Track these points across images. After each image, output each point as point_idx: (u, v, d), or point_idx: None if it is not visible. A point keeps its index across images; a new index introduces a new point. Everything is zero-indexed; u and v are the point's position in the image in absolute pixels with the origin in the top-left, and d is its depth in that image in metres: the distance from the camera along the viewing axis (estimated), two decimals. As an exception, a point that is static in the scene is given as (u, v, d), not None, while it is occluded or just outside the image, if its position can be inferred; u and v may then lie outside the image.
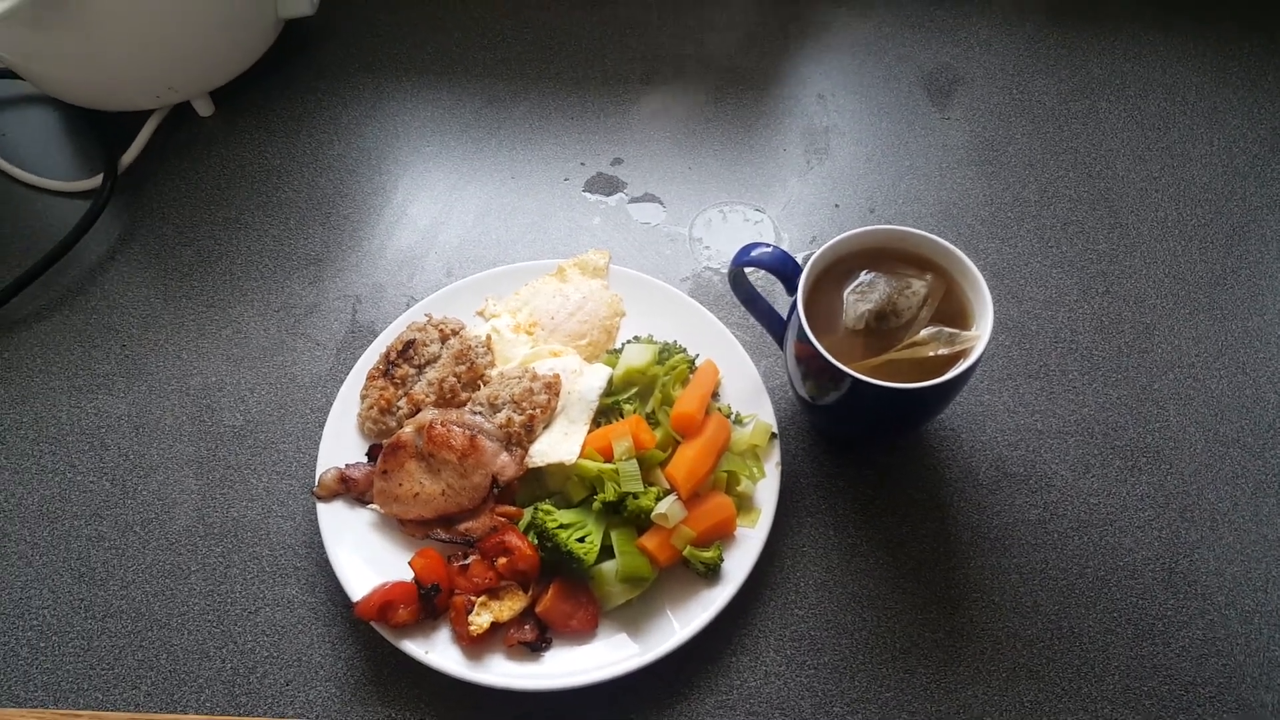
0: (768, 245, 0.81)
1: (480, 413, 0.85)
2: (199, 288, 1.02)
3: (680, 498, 0.80)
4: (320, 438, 0.87)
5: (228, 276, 1.03)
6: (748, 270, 0.84)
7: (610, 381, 0.88)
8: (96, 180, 1.08)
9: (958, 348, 0.77)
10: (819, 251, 0.80)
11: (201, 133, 1.14)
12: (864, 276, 0.81)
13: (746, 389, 0.89)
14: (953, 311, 0.80)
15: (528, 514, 0.82)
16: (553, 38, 1.22)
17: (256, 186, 1.09)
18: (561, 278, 0.98)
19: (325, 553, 0.81)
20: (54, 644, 0.82)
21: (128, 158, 1.10)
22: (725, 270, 0.85)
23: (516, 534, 0.79)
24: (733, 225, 1.05)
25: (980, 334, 0.76)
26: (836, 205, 1.06)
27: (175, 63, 1.05)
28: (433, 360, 0.91)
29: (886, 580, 0.83)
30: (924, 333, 0.78)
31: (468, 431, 0.82)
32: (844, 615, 0.82)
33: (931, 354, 0.77)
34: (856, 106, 1.14)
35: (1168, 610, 0.82)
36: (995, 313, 0.77)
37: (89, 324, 1.00)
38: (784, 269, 0.81)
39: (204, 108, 1.14)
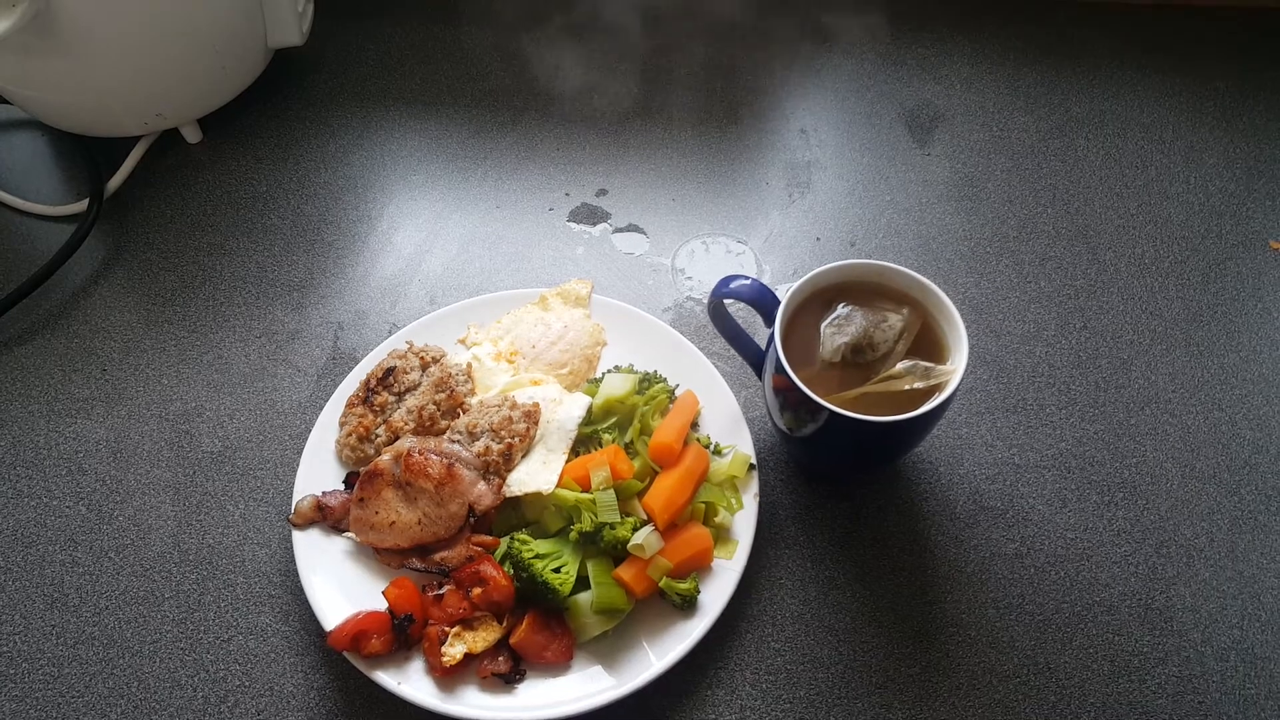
0: (746, 278, 0.82)
1: (459, 441, 0.85)
2: (181, 313, 1.02)
3: (657, 528, 0.80)
4: (298, 465, 0.87)
5: (210, 302, 1.03)
6: (727, 302, 0.85)
7: (590, 411, 0.88)
8: (82, 205, 1.08)
9: (933, 381, 0.77)
10: (796, 285, 0.80)
11: (188, 159, 1.15)
12: (841, 310, 0.82)
13: (726, 420, 0.89)
14: (929, 345, 0.80)
15: (504, 544, 0.82)
16: (539, 70, 1.23)
17: (242, 213, 1.10)
18: (544, 307, 0.98)
19: (300, 581, 0.81)
20: (23, 670, 0.82)
21: (114, 183, 1.11)
22: (706, 301, 0.85)
23: (492, 564, 0.79)
24: (715, 257, 1.06)
25: (955, 368, 0.77)
26: (818, 238, 1.07)
27: (164, 90, 1.06)
28: (413, 388, 0.91)
29: (863, 614, 0.83)
30: (900, 366, 0.79)
31: (445, 460, 0.82)
32: (820, 649, 0.82)
33: (907, 387, 0.78)
34: (839, 142, 1.15)
35: (1144, 646, 0.82)
36: (973, 346, 0.77)
37: (70, 348, 1.00)
38: (762, 301, 0.81)
39: (192, 134, 1.15)
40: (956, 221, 1.07)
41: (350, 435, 0.88)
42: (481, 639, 0.77)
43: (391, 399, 0.90)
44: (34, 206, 1.10)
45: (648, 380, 0.90)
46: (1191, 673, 0.80)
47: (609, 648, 0.79)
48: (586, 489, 0.82)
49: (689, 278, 1.04)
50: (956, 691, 0.79)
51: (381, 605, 0.79)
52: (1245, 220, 1.07)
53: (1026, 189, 1.10)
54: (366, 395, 0.90)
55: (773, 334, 0.78)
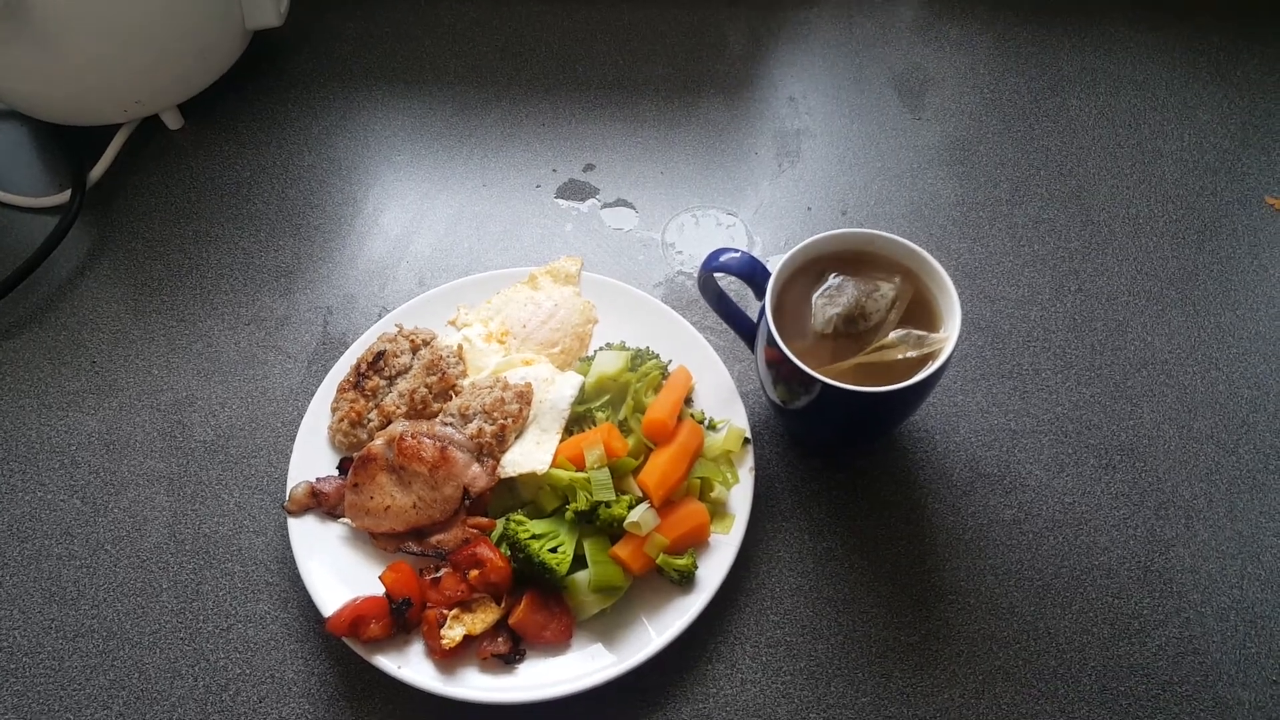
0: (736, 250, 0.81)
1: (451, 423, 0.85)
2: (169, 302, 1.02)
3: (653, 505, 0.80)
4: (291, 451, 0.87)
5: (198, 290, 1.02)
6: (718, 275, 0.84)
7: (582, 389, 0.88)
8: (64, 196, 1.07)
9: (926, 350, 0.77)
10: (786, 256, 0.80)
11: (170, 146, 1.13)
12: (832, 280, 0.81)
13: (719, 394, 0.89)
14: (922, 313, 0.79)
15: (500, 525, 0.81)
16: (523, 44, 1.21)
17: (226, 199, 1.09)
18: (533, 285, 0.97)
19: (297, 567, 0.81)
20: (24, 665, 0.82)
21: (96, 172, 1.09)
22: (697, 275, 0.84)
23: (488, 545, 0.79)
24: (705, 229, 1.05)
25: (948, 336, 0.76)
26: (809, 208, 1.06)
27: (142, 76, 1.05)
28: (404, 371, 0.90)
29: (862, 584, 0.83)
30: (893, 335, 0.78)
31: (438, 443, 0.82)
32: (819, 620, 0.82)
33: (900, 356, 0.77)
34: (828, 109, 1.13)
35: (1144, 609, 0.82)
36: (967, 313, 0.77)
37: (58, 340, 0.99)
38: (752, 274, 0.80)
39: (173, 121, 1.13)
40: (948, 186, 1.06)
41: (342, 420, 0.88)
42: (480, 620, 0.77)
43: (383, 383, 0.89)
44: (15, 198, 1.09)
45: (640, 357, 0.89)
46: (1192, 633, 0.80)
47: (608, 625, 0.79)
48: (581, 468, 0.82)
49: (679, 252, 1.03)
50: (956, 658, 0.80)
51: (379, 590, 0.79)
52: (1240, 177, 1.06)
53: (1018, 151, 1.09)
54: (357, 380, 0.89)
55: (764, 307, 0.78)
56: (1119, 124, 1.11)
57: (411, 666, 0.76)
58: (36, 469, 0.91)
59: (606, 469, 0.80)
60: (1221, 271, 0.99)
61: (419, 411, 0.87)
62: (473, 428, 0.84)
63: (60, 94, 1.04)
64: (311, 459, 0.87)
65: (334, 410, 0.89)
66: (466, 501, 0.82)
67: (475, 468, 0.83)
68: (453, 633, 0.76)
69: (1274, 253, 1.00)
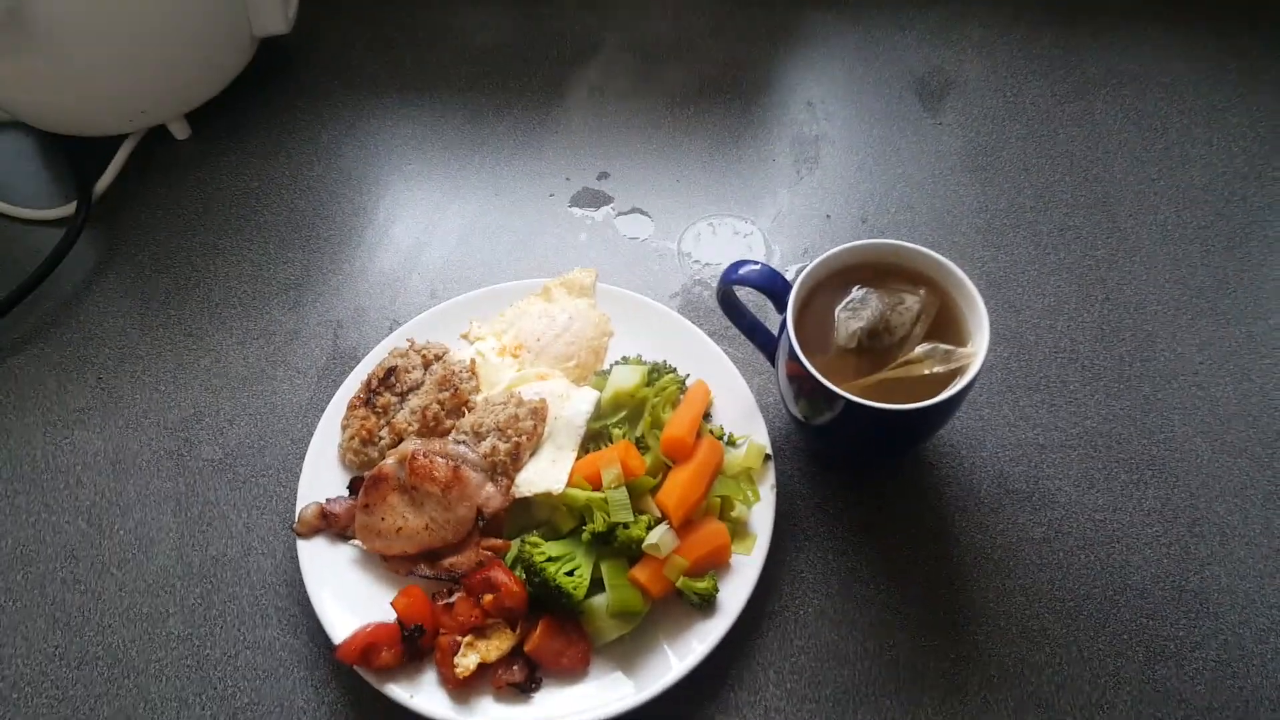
0: (756, 263, 0.79)
1: (464, 441, 0.83)
2: (177, 316, 1.00)
3: (672, 526, 0.78)
4: (301, 470, 0.85)
5: (206, 304, 1.00)
6: (737, 288, 0.82)
7: (598, 405, 0.86)
8: (70, 208, 1.05)
9: (953, 365, 0.74)
10: (808, 268, 0.77)
11: (177, 156, 1.12)
12: (855, 293, 0.78)
13: (739, 408, 0.86)
14: (948, 327, 0.77)
15: (514, 547, 0.79)
16: (534, 51, 1.19)
17: (234, 210, 1.07)
18: (547, 297, 0.95)
19: (306, 592, 0.79)
20: (27, 694, 0.80)
21: (102, 184, 1.08)
22: (715, 289, 0.82)
23: (503, 569, 0.77)
24: (722, 238, 1.03)
25: (976, 351, 0.74)
26: (828, 216, 1.03)
27: (148, 85, 1.03)
28: (415, 387, 0.88)
29: (888, 606, 0.81)
30: (918, 350, 0.76)
31: (451, 462, 0.80)
32: (845, 644, 0.79)
33: (926, 372, 0.75)
34: (847, 113, 1.11)
35: (1179, 630, 0.79)
36: (992, 323, 0.74)
37: (64, 357, 0.97)
38: (773, 287, 0.78)
39: (179, 130, 1.12)
40: (971, 193, 1.04)
41: (353, 439, 0.86)
42: (495, 647, 0.75)
43: (394, 399, 0.87)
44: (21, 211, 1.07)
45: (657, 371, 0.87)
46: (1230, 656, 0.78)
47: (627, 651, 0.76)
48: (598, 487, 0.79)
49: (696, 261, 1.01)
50: (988, 684, 0.77)
51: (390, 615, 0.77)
52: (1271, 182, 1.03)
53: (1043, 156, 1.06)
54: (368, 396, 0.87)
55: (785, 320, 0.75)
56: (1146, 128, 1.08)
57: (424, 695, 0.74)
58: (41, 490, 0.90)
59: (624, 488, 0.78)
60: (1253, 279, 0.97)
61: (431, 429, 0.85)
62: (486, 446, 0.82)
63: (66, 104, 1.02)
64: (322, 478, 0.85)
65: (344, 427, 0.87)
66: (480, 522, 0.80)
67: (489, 488, 0.81)
68: (466, 660, 0.74)
69: (1308, 260, 0.97)
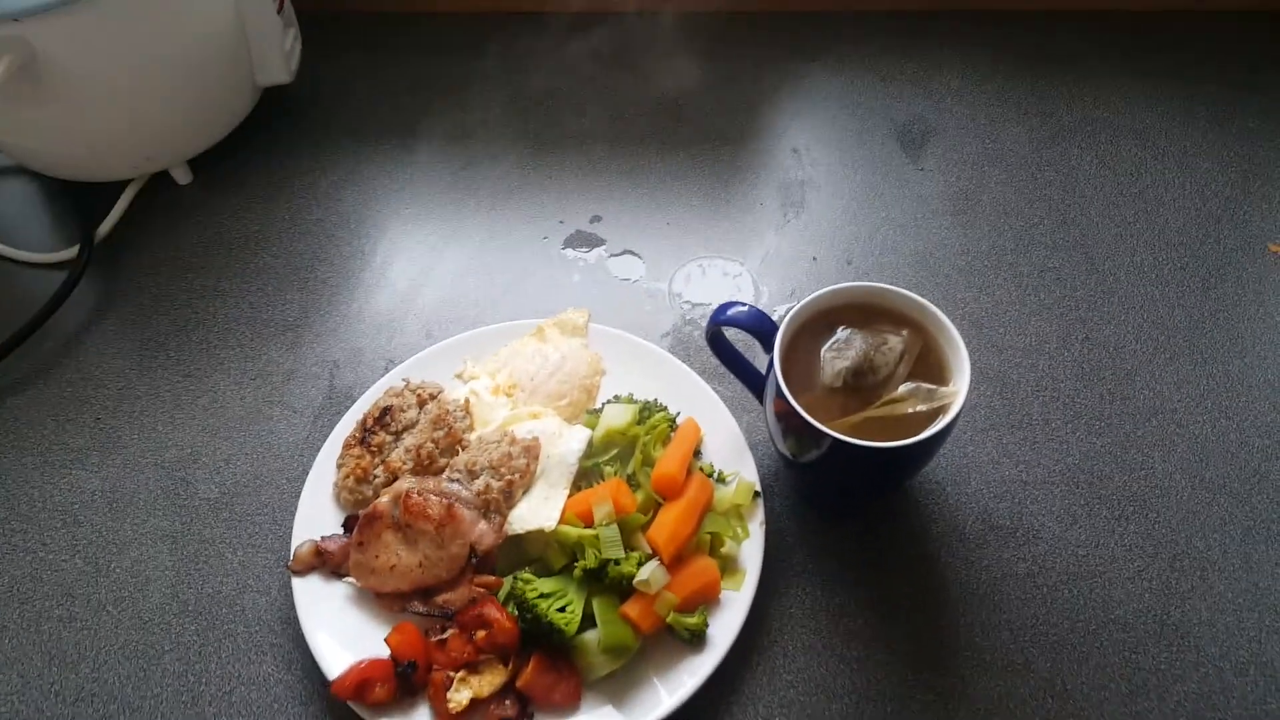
0: (743, 304, 0.81)
1: (458, 480, 0.84)
2: (175, 357, 1.01)
3: (663, 562, 0.79)
4: (296, 509, 0.86)
5: (204, 345, 1.02)
6: (725, 329, 0.84)
7: (590, 443, 0.87)
8: (73, 251, 1.07)
9: (936, 404, 0.76)
10: (794, 309, 0.79)
11: (179, 201, 1.14)
12: (841, 333, 0.81)
13: (728, 446, 0.88)
14: (931, 366, 0.79)
15: (507, 583, 0.80)
16: (529, 98, 1.23)
17: (234, 253, 1.09)
18: (540, 337, 0.97)
19: (301, 629, 0.79)
20: (23, 731, 0.80)
21: (104, 227, 1.10)
22: (705, 325, 0.84)
23: (495, 606, 0.78)
24: (711, 279, 1.05)
25: (958, 389, 0.76)
26: (814, 258, 1.06)
27: (153, 133, 1.06)
28: (410, 426, 0.90)
29: (876, 641, 0.82)
30: (902, 389, 0.78)
31: (445, 500, 0.81)
32: (833, 679, 0.80)
33: (910, 410, 0.77)
34: (831, 159, 1.14)
35: (1161, 664, 0.80)
36: (975, 362, 0.76)
37: (63, 397, 0.99)
38: (760, 327, 0.80)
39: (182, 176, 1.14)
40: (953, 236, 1.07)
41: (348, 477, 0.87)
42: (487, 683, 0.76)
43: (389, 438, 0.89)
44: (23, 254, 1.09)
45: (648, 409, 0.89)
46: (1211, 689, 0.79)
47: (618, 686, 0.77)
48: (589, 524, 0.81)
49: (686, 301, 1.04)
50: (974, 718, 0.78)
51: (384, 651, 0.77)
52: (1243, 224, 1.06)
53: (1022, 200, 1.09)
54: (363, 436, 0.89)
55: (772, 360, 0.77)
56: (1120, 173, 1.11)
57: (418, 730, 0.75)
58: (39, 528, 0.91)
59: (615, 525, 0.79)
60: (1228, 319, 0.99)
61: (425, 467, 0.87)
62: (480, 484, 0.83)
63: (71, 152, 1.05)
64: (317, 516, 0.86)
65: (339, 466, 0.88)
66: (473, 560, 0.81)
67: (482, 525, 0.82)
68: (459, 696, 0.75)
69: (1279, 300, 1.00)
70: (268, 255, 1.09)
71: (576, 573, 0.79)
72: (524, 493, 0.84)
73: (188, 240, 1.11)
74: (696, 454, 0.88)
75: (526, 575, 0.79)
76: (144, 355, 1.02)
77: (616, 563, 0.78)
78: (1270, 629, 0.81)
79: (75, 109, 0.98)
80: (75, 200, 1.11)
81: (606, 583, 0.78)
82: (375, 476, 0.87)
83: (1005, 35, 1.25)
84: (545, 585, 0.78)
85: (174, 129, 1.07)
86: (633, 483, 0.84)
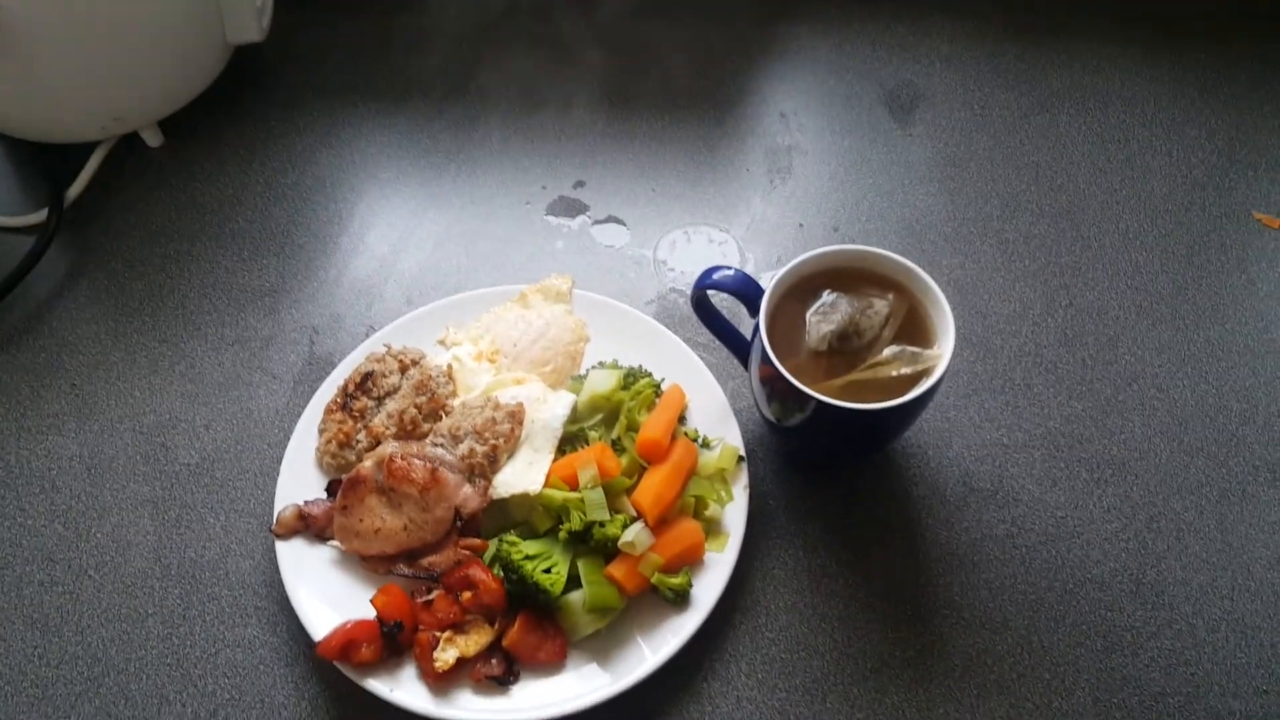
0: (729, 268, 0.81)
1: (442, 444, 0.84)
2: (151, 323, 1.00)
3: (647, 525, 0.79)
4: (278, 474, 0.85)
5: (180, 311, 1.01)
6: (711, 293, 0.84)
7: (574, 408, 0.87)
8: (42, 215, 1.05)
9: (920, 367, 0.77)
10: (780, 273, 0.79)
11: (150, 164, 1.12)
12: (826, 297, 0.81)
13: (713, 412, 0.88)
14: (915, 330, 0.79)
15: (492, 546, 0.80)
16: (510, 59, 1.21)
17: (208, 218, 1.07)
18: (524, 304, 0.96)
19: (285, 591, 0.79)
20: (6, 694, 0.80)
21: (74, 191, 1.07)
22: (690, 294, 0.84)
23: (481, 567, 0.78)
24: (697, 247, 1.05)
25: (942, 353, 0.76)
26: (800, 224, 1.06)
27: (120, 92, 1.03)
28: (392, 392, 0.89)
29: (856, 600, 0.83)
30: (887, 352, 0.78)
31: (429, 464, 0.81)
32: (815, 637, 0.81)
33: (895, 373, 0.77)
34: (818, 125, 1.14)
35: (1136, 621, 0.82)
36: (959, 328, 0.77)
37: (37, 363, 0.97)
38: (746, 291, 0.80)
39: (152, 138, 1.12)
40: (940, 202, 1.07)
41: (330, 442, 0.86)
42: (473, 642, 0.76)
43: (371, 404, 0.88)
44: (-8, 217, 1.07)
45: (633, 375, 0.88)
46: (1184, 645, 0.80)
47: (603, 645, 0.78)
48: (574, 488, 0.81)
49: (671, 269, 1.03)
50: (951, 674, 0.79)
51: (370, 613, 0.77)
52: (1228, 192, 1.07)
53: (1009, 167, 1.09)
54: (345, 401, 0.88)
55: (758, 324, 0.77)
56: (1108, 140, 1.11)
57: (404, 690, 0.75)
58: (16, 494, 0.90)
59: (600, 489, 0.80)
60: (1210, 286, 1.00)
61: (408, 432, 0.86)
62: (464, 448, 0.83)
63: (36, 110, 1.02)
64: (299, 481, 0.85)
65: (321, 432, 0.88)
66: (458, 523, 0.81)
67: (467, 489, 0.82)
68: (445, 655, 0.75)
69: (1261, 267, 1.01)
70: (242, 220, 1.07)
71: (562, 535, 0.79)
72: (509, 457, 0.84)
73: (160, 204, 1.08)
74: (681, 420, 0.88)
75: (512, 538, 0.79)
76: (119, 321, 1.00)
77: (602, 525, 0.78)
78: (1242, 588, 0.83)
79: (38, 66, 0.95)
80: (43, 163, 1.08)
81: (592, 545, 0.78)
82: (358, 442, 0.86)
83: (995, 0, 1.24)
84: (530, 547, 0.79)
85: (143, 88, 1.04)
86: (617, 448, 0.84)
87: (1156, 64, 1.18)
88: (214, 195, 1.09)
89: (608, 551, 0.79)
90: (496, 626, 0.77)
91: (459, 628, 0.77)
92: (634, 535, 0.78)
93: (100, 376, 0.96)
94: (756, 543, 0.85)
